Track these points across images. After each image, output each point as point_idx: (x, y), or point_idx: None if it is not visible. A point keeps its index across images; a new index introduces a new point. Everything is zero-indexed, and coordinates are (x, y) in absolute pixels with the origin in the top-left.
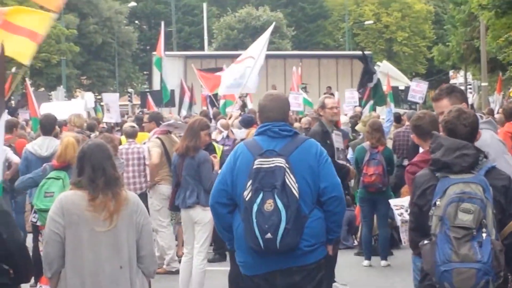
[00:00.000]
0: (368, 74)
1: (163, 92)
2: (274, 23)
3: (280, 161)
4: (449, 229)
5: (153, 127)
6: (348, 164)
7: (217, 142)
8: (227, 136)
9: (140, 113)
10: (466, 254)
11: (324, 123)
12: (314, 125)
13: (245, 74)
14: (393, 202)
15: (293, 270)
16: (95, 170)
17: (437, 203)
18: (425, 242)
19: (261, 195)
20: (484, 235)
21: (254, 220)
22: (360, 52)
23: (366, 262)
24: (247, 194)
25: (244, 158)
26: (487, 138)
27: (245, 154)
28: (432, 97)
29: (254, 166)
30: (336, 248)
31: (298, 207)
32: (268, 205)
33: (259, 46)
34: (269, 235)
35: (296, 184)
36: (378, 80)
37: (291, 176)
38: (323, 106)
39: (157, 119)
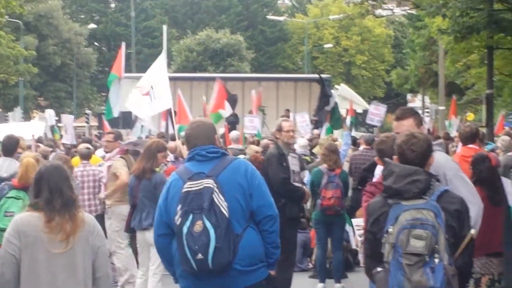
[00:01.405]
0: (325, 97)
1: (106, 110)
2: (164, 51)
3: (208, 182)
4: (402, 256)
5: (117, 146)
6: (303, 187)
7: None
8: (176, 158)
9: (99, 134)
10: (419, 281)
11: (280, 146)
12: (271, 148)
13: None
14: (355, 221)
15: None
16: (52, 192)
17: (389, 230)
18: (379, 269)
19: (190, 218)
20: (436, 260)
21: (185, 243)
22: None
23: (320, 285)
24: (177, 219)
25: (175, 185)
26: (441, 159)
27: (176, 181)
28: (396, 116)
29: (183, 190)
30: (291, 271)
31: (228, 226)
32: (198, 227)
33: (157, 73)
34: (200, 256)
35: (226, 203)
36: (336, 103)
37: (220, 195)
38: (279, 129)
39: (121, 139)
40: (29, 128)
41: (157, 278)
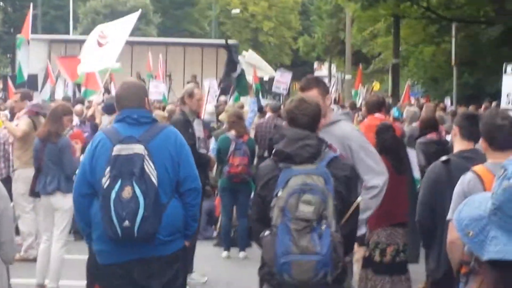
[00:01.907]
0: (232, 64)
1: (18, 74)
2: (140, 10)
3: (139, 148)
4: (290, 220)
5: (24, 106)
6: (208, 154)
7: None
8: (82, 122)
9: (3, 96)
10: (306, 246)
11: (186, 112)
12: (176, 113)
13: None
14: None
15: (151, 260)
16: None
17: (279, 194)
18: (266, 233)
19: (119, 182)
20: (324, 227)
21: (112, 208)
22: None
23: (225, 253)
24: (105, 181)
25: (103, 146)
26: (347, 130)
27: (104, 142)
28: (300, 86)
29: (113, 153)
30: (194, 239)
31: (156, 195)
32: (126, 193)
33: (122, 29)
34: (127, 223)
35: (155, 172)
36: (242, 70)
37: (150, 163)
38: (191, 95)
39: (29, 99)
40: None
41: (61, 244)
